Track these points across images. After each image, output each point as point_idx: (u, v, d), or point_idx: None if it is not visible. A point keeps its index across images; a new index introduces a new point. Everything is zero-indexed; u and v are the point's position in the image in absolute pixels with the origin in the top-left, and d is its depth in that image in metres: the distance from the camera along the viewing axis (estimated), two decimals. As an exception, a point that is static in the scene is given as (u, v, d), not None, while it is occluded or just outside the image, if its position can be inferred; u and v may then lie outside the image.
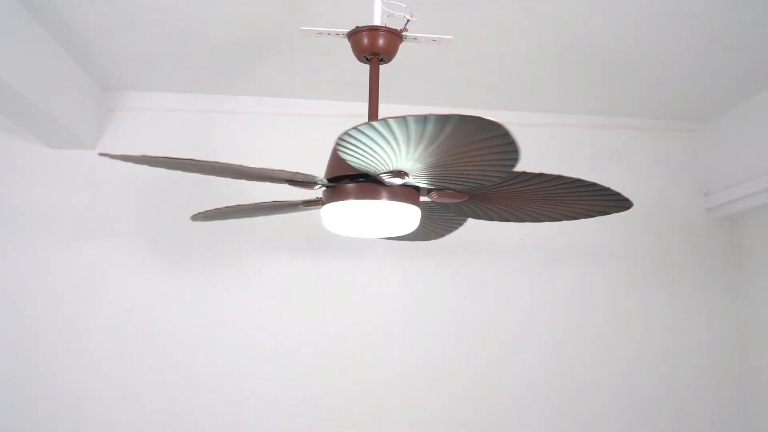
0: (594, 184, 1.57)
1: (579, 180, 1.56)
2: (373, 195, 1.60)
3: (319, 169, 1.73)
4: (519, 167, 1.36)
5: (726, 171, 3.20)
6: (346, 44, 1.84)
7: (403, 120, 1.13)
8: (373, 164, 1.40)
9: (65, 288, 2.96)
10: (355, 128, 1.19)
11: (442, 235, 2.20)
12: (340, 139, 1.24)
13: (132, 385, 2.92)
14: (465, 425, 3.05)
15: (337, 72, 2.85)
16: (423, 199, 1.73)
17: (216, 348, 2.98)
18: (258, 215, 2.06)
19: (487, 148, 1.25)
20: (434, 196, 1.68)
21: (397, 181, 1.51)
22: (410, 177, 1.49)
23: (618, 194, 1.61)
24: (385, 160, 1.36)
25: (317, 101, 3.16)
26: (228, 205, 1.95)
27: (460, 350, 3.10)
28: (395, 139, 1.22)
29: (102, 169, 3.03)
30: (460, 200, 1.71)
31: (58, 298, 2.95)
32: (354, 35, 1.79)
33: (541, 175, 1.53)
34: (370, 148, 1.28)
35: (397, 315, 3.10)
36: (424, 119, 1.12)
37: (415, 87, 2.97)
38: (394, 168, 1.42)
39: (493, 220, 1.92)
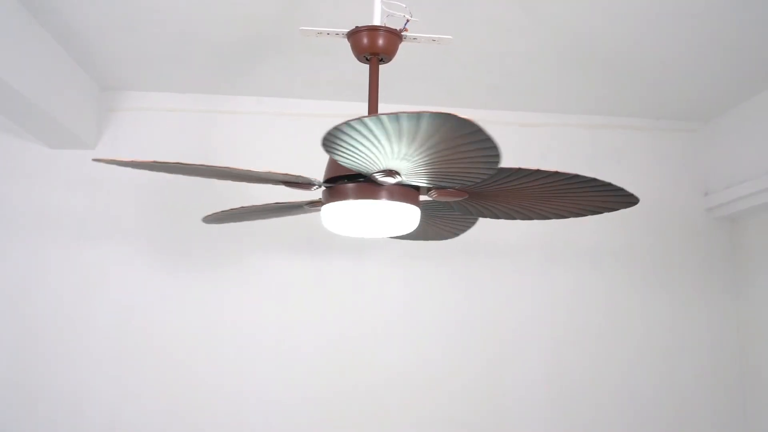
0: (594, 180, 1.57)
1: (577, 176, 1.55)
2: (371, 195, 1.60)
3: (319, 168, 1.74)
4: (519, 167, 1.36)
5: (726, 171, 3.20)
6: (346, 44, 1.84)
7: (377, 118, 1.14)
8: (361, 163, 1.40)
9: (65, 288, 2.96)
10: (335, 128, 1.20)
11: (456, 234, 2.20)
12: (325, 138, 1.25)
13: (132, 385, 2.92)
14: (465, 425, 3.05)
15: (337, 72, 2.85)
16: (424, 197, 1.73)
17: (216, 348, 2.98)
18: (267, 217, 2.07)
19: (467, 145, 1.25)
20: (434, 194, 1.68)
21: (390, 180, 1.51)
22: (402, 176, 1.49)
23: (621, 189, 1.60)
24: (372, 159, 1.37)
25: (317, 101, 3.16)
26: (233, 207, 1.97)
27: (460, 350, 3.10)
28: (375, 137, 1.23)
29: (102, 169, 3.00)
30: (460, 198, 1.71)
31: (58, 298, 2.95)
32: (354, 35, 1.80)
33: (538, 171, 1.53)
34: (354, 147, 1.29)
35: (397, 315, 3.10)
36: (396, 116, 1.13)
37: (415, 87, 2.97)
38: (384, 167, 1.42)
39: (498, 218, 1.91)
